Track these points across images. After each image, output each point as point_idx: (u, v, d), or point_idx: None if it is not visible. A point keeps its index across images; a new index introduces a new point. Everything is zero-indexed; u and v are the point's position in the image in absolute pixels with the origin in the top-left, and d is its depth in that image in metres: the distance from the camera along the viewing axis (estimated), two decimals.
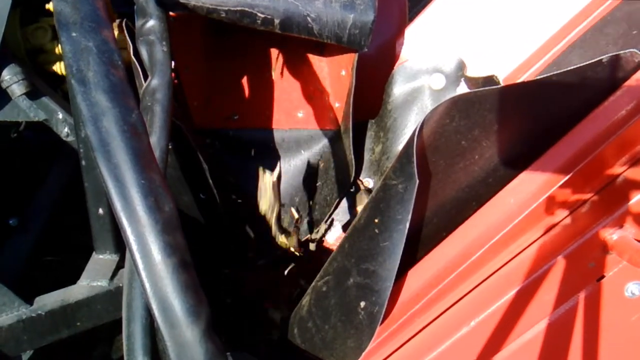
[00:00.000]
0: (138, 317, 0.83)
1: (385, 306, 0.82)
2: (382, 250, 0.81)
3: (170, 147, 0.95)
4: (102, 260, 1.22)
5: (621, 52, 0.82)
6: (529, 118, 0.86)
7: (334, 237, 1.50)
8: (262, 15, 1.14)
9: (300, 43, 1.33)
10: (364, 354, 0.88)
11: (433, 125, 0.80)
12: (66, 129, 1.29)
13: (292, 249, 1.33)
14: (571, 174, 0.82)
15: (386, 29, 1.40)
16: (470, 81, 1.36)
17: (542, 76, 0.80)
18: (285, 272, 1.45)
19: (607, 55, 0.81)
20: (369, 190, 1.42)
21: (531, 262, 0.88)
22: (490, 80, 1.25)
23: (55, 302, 1.12)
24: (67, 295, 1.15)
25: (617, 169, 0.84)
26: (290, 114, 1.48)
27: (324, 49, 1.37)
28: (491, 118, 0.82)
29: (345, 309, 0.89)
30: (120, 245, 1.22)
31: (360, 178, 1.46)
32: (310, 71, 1.41)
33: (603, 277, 0.88)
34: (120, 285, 1.17)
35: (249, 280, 1.47)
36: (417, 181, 0.76)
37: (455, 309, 0.91)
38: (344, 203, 1.49)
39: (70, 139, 1.30)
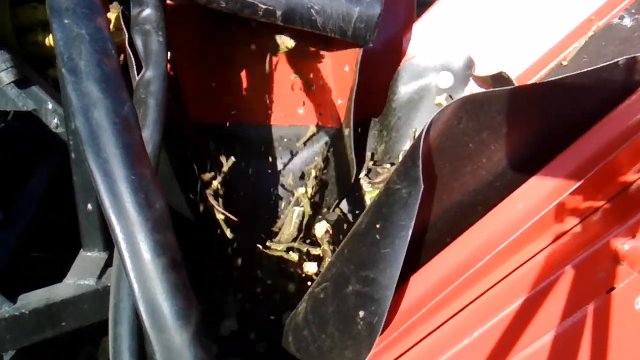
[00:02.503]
0: (126, 318, 0.82)
1: (385, 316, 0.81)
2: (383, 258, 0.81)
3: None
4: (90, 258, 1.21)
5: (639, 54, 0.81)
6: (540, 121, 0.86)
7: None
8: (264, 7, 1.13)
9: (303, 36, 1.33)
10: None
11: (440, 127, 0.80)
12: (56, 120, 1.28)
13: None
14: (583, 180, 0.81)
15: (393, 24, 1.40)
16: (480, 80, 1.36)
17: (555, 78, 0.80)
18: (280, 274, 1.45)
19: (624, 58, 0.80)
20: None
21: (539, 271, 0.87)
22: (500, 77, 1.25)
23: (40, 300, 1.12)
24: (53, 294, 1.14)
25: (631, 177, 0.83)
26: (291, 110, 1.48)
27: (327, 44, 1.36)
28: (501, 120, 0.82)
29: (344, 318, 0.89)
30: (109, 243, 1.22)
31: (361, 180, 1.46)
32: (312, 66, 1.41)
33: (613, 289, 0.87)
34: (108, 285, 1.16)
35: (242, 283, 1.46)
36: (423, 186, 0.75)
37: (458, 318, 0.91)
38: (344, 205, 1.49)
39: (60, 130, 1.30)
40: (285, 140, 1.50)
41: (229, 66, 1.43)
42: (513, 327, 0.89)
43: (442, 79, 1.37)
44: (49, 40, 1.35)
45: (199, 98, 1.43)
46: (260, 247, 1.40)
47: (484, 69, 1.36)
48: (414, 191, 0.77)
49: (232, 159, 1.35)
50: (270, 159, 1.50)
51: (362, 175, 1.44)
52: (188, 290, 0.68)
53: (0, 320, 1.08)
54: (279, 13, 1.14)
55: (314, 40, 1.35)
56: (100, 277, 1.18)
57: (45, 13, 1.28)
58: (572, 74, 0.78)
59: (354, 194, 1.46)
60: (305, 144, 1.50)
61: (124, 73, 0.75)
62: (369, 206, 0.89)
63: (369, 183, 1.42)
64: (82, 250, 1.23)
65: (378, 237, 0.82)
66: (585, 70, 0.78)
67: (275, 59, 1.41)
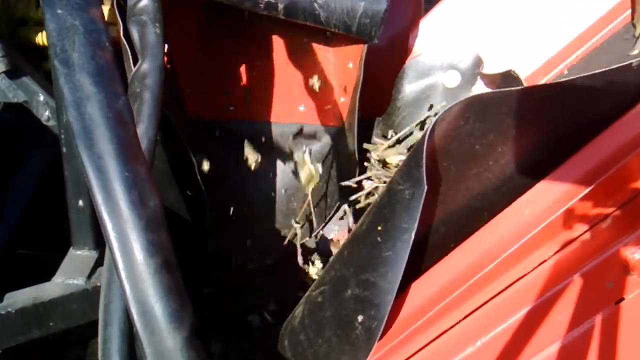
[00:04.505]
0: (116, 320, 0.83)
1: (384, 321, 0.81)
2: (384, 261, 0.81)
3: (157, 137, 0.94)
4: (79, 256, 1.21)
5: None
6: (550, 123, 0.86)
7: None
8: None
9: (305, 31, 1.33)
10: None
11: (445, 127, 0.80)
12: (47, 113, 1.28)
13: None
14: (592, 186, 0.82)
15: (399, 19, 1.40)
16: (488, 79, 1.36)
17: (565, 79, 0.80)
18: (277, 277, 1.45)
19: (637, 60, 0.80)
20: None
21: (545, 279, 0.87)
22: (508, 75, 1.25)
23: (27, 299, 1.12)
24: (41, 292, 1.14)
25: None
26: (291, 107, 1.48)
27: (330, 39, 1.37)
28: (508, 122, 0.82)
29: (341, 323, 0.89)
30: (100, 241, 1.22)
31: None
32: (314, 62, 1.41)
33: (622, 299, 0.87)
34: (98, 284, 1.16)
35: (237, 286, 1.47)
36: (426, 187, 0.75)
37: (461, 326, 0.91)
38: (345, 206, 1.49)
39: (51, 123, 1.30)
40: (285, 138, 1.50)
41: (228, 60, 1.43)
42: (517, 336, 0.89)
43: (449, 77, 1.37)
44: (42, 37, 1.35)
45: (196, 92, 1.44)
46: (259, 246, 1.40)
47: (492, 68, 1.36)
48: (416, 192, 0.77)
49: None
50: (269, 157, 1.50)
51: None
52: (181, 291, 0.68)
53: None
54: (280, 6, 1.15)
55: (317, 35, 1.35)
56: (89, 276, 1.18)
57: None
58: (582, 75, 0.78)
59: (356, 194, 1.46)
60: (306, 142, 1.50)
61: (118, 65, 0.76)
62: (370, 207, 0.89)
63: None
64: (71, 248, 1.23)
65: (379, 239, 0.82)
66: (597, 71, 0.79)
67: (276, 54, 1.41)
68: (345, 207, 1.47)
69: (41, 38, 1.37)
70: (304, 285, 1.37)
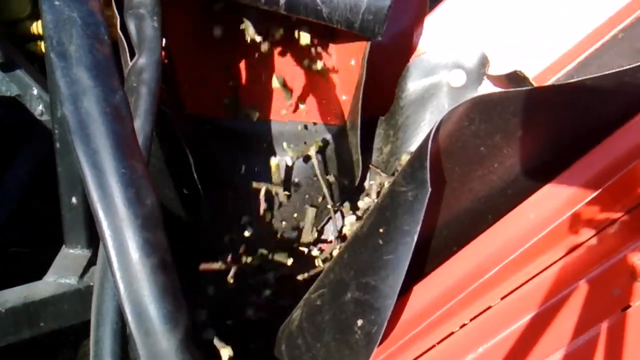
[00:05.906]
0: (108, 320, 0.83)
1: (384, 326, 0.81)
2: (385, 264, 0.81)
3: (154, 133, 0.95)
4: (72, 254, 1.22)
5: None
6: (557, 125, 0.86)
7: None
8: None
9: (307, 27, 1.33)
10: None
11: (450, 128, 0.80)
12: (40, 107, 1.28)
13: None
14: (600, 189, 0.82)
15: (403, 16, 1.40)
16: (494, 79, 1.36)
17: (574, 79, 0.80)
18: (275, 279, 1.45)
19: None
20: None
21: (550, 285, 0.87)
22: (514, 76, 1.24)
23: (18, 298, 1.12)
24: (32, 291, 1.14)
25: None
26: (291, 105, 1.48)
27: (332, 35, 1.37)
28: (515, 123, 0.82)
29: (340, 327, 0.89)
30: (92, 240, 1.22)
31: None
32: (316, 59, 1.41)
33: (629, 306, 0.88)
34: (91, 284, 1.17)
35: (233, 286, 1.47)
36: (430, 189, 0.75)
37: (462, 332, 0.91)
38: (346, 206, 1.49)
39: (45, 118, 1.30)
40: (284, 136, 1.50)
41: (227, 55, 1.43)
42: (521, 343, 0.89)
43: (454, 76, 1.37)
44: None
45: (194, 88, 1.44)
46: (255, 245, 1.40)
47: (498, 68, 1.36)
48: (420, 194, 0.77)
49: None
50: (267, 156, 1.50)
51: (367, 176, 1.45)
52: (177, 292, 0.69)
53: None
54: (281, 1, 1.15)
55: (318, 31, 1.35)
56: (82, 275, 1.18)
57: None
58: (592, 75, 0.79)
59: (357, 196, 1.46)
60: (306, 141, 1.50)
61: (115, 59, 0.76)
62: (372, 209, 0.89)
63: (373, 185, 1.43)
64: (63, 246, 1.23)
65: (380, 242, 0.82)
66: (606, 72, 0.79)
67: (276, 51, 1.41)
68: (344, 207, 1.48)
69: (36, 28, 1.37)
70: (302, 287, 1.37)
